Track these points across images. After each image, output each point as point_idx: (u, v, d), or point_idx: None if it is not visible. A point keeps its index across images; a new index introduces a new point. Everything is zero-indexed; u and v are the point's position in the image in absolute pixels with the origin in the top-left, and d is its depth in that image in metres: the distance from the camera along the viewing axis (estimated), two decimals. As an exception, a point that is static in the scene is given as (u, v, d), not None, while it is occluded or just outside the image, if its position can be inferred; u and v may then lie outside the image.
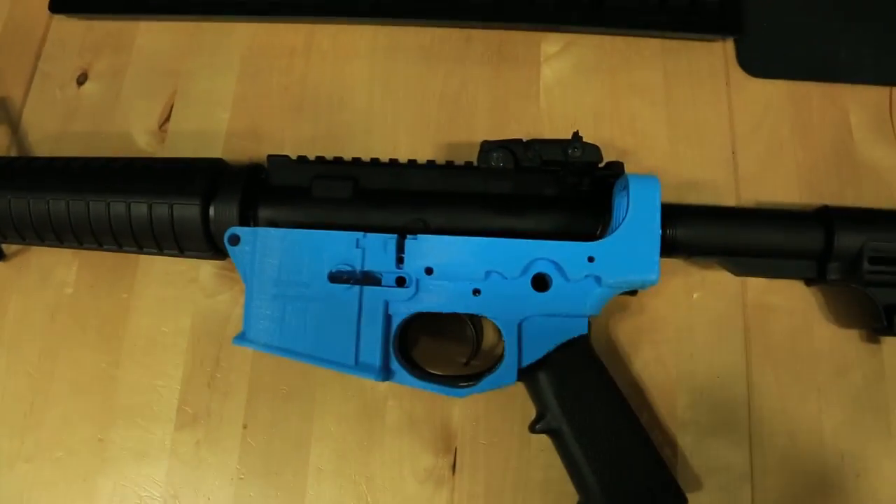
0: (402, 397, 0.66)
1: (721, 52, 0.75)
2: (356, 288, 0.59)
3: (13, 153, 0.75)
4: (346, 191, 0.62)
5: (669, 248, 0.60)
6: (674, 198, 0.68)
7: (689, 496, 0.58)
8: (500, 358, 0.59)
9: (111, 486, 0.65)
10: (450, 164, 0.64)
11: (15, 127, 0.76)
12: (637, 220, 0.57)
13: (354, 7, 0.76)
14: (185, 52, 0.78)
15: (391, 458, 0.65)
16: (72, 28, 0.79)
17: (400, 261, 0.59)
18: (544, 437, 0.60)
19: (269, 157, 0.64)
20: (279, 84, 0.76)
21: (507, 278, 0.58)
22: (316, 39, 0.77)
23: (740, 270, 0.63)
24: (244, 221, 0.61)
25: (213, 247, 0.63)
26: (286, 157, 0.64)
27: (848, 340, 0.66)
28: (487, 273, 0.58)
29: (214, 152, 0.73)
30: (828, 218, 0.62)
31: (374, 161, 0.64)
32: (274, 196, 0.62)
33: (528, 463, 0.64)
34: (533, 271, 0.58)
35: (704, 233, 0.61)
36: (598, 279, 0.58)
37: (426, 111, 0.74)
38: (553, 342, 0.58)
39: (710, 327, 0.67)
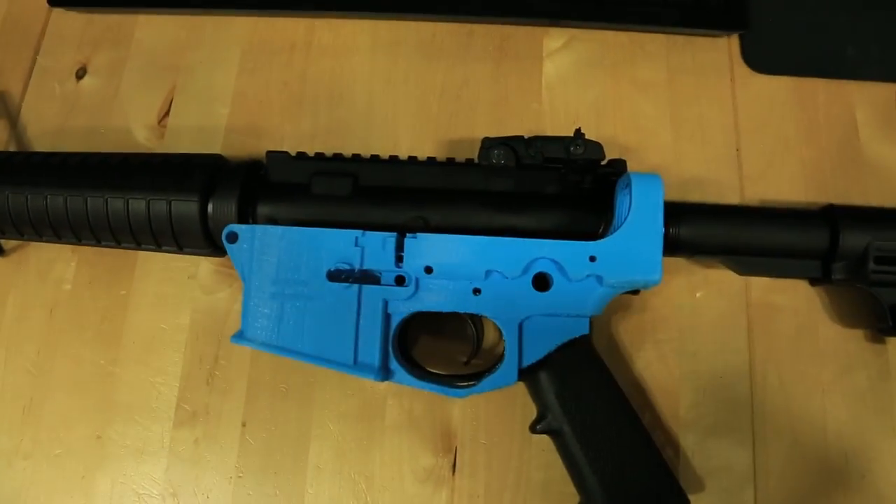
0: (402, 396, 0.65)
1: (726, 47, 0.75)
2: (355, 287, 0.58)
3: (12, 148, 0.75)
4: (345, 188, 0.61)
5: (672, 247, 0.60)
6: (677, 195, 0.67)
7: (692, 497, 0.57)
8: (501, 358, 0.59)
9: (109, 483, 0.65)
10: (450, 161, 0.63)
11: (14, 121, 0.76)
12: (639, 220, 0.57)
13: (355, 1, 0.75)
14: (185, 46, 0.77)
15: (391, 457, 0.64)
16: (71, 22, 0.79)
17: (399, 259, 0.58)
18: (545, 438, 0.60)
19: (269, 153, 0.63)
20: (279, 79, 0.75)
21: (507, 278, 0.58)
22: (316, 34, 0.76)
23: (744, 270, 0.62)
24: (243, 218, 0.61)
25: (211, 244, 0.62)
26: (285, 153, 0.63)
27: (853, 340, 0.66)
28: (488, 272, 0.58)
29: (214, 148, 0.73)
30: (833, 217, 0.61)
31: (374, 158, 0.64)
32: (273, 193, 0.62)
33: (528, 463, 0.64)
34: (534, 271, 0.58)
35: (708, 232, 0.61)
36: (599, 279, 0.57)
37: (427, 107, 0.73)
38: (554, 342, 0.58)
39: (714, 327, 0.66)
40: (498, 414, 0.65)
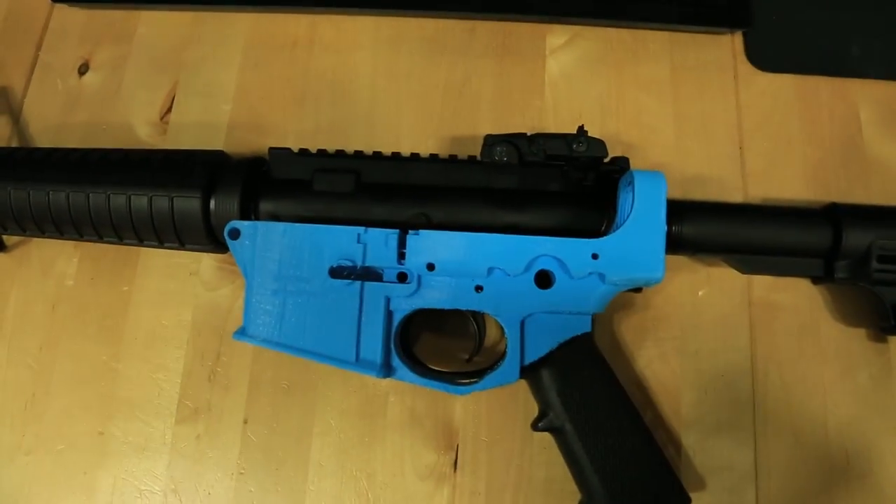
0: (404, 393, 0.65)
1: (729, 45, 0.74)
2: (357, 283, 0.58)
3: (14, 143, 0.75)
4: (348, 184, 0.61)
5: (675, 245, 0.60)
6: (680, 193, 0.67)
7: (693, 496, 0.57)
8: (503, 355, 0.59)
9: (111, 479, 0.65)
10: (453, 158, 0.63)
11: (16, 117, 0.76)
12: (642, 217, 0.57)
13: (357, -2, 0.75)
14: (187, 42, 0.77)
15: (392, 454, 0.64)
16: (73, 18, 0.79)
17: (402, 256, 0.58)
18: (546, 435, 0.60)
19: (271, 149, 0.63)
20: (281, 75, 0.75)
21: (510, 275, 0.58)
22: (318, 30, 0.76)
23: (746, 268, 0.62)
24: (245, 215, 0.61)
25: (213, 240, 0.62)
26: (288, 149, 0.63)
27: (855, 339, 0.66)
28: (490, 269, 0.58)
29: (216, 144, 0.73)
30: (836, 215, 0.61)
31: (377, 154, 0.63)
32: (275, 189, 0.62)
33: (530, 461, 0.64)
34: (536, 268, 0.58)
35: (710, 230, 0.61)
36: (602, 276, 0.57)
37: (429, 104, 0.73)
38: (556, 339, 0.58)
39: (716, 325, 0.66)
40: (499, 411, 0.65)
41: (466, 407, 0.65)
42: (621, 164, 0.62)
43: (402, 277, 0.58)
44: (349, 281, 0.58)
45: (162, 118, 0.74)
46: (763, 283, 0.67)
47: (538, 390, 0.59)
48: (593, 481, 0.56)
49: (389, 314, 0.58)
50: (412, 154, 0.64)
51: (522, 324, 0.58)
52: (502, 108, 0.73)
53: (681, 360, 0.65)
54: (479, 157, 0.62)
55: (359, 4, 0.75)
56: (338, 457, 0.64)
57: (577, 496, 0.58)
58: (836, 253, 0.60)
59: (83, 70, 0.77)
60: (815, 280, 0.66)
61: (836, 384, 0.64)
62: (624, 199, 0.58)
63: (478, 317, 0.63)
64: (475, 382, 0.59)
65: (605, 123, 0.72)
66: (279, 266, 0.59)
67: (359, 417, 0.65)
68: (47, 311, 0.69)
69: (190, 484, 0.65)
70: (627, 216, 0.57)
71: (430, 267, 0.58)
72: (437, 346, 0.66)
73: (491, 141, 0.61)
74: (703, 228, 0.60)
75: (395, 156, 0.64)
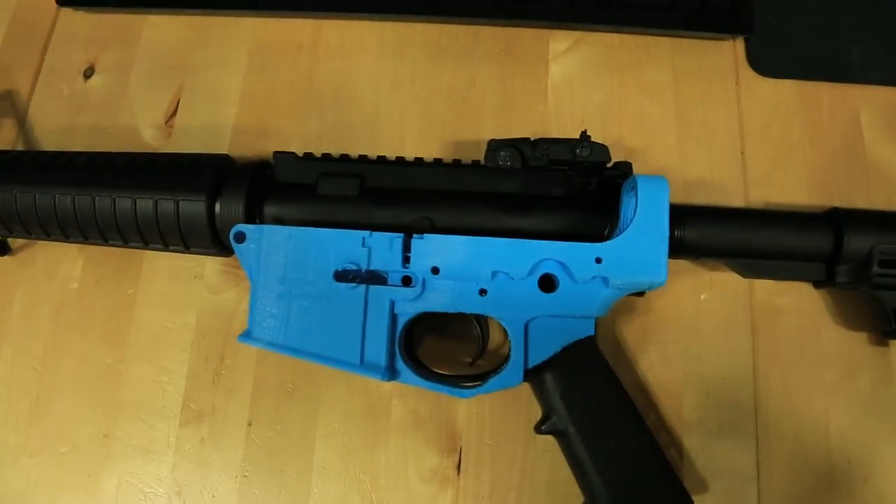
0: (408, 396, 0.66)
1: (731, 51, 0.75)
2: (362, 287, 0.58)
3: (20, 147, 0.75)
4: (352, 188, 0.62)
5: (677, 249, 0.60)
6: (682, 198, 0.68)
7: (695, 498, 0.58)
8: (506, 358, 0.59)
9: (115, 481, 0.65)
10: (457, 163, 0.64)
11: (21, 120, 0.76)
12: (645, 222, 0.57)
13: (362, 2, 0.75)
14: (192, 46, 0.77)
15: (396, 457, 0.65)
16: (79, 22, 0.79)
17: (406, 260, 0.59)
18: (550, 438, 0.60)
19: (276, 153, 0.64)
20: (286, 80, 0.75)
21: (513, 279, 0.58)
22: (323, 35, 0.77)
23: (748, 272, 0.63)
24: (250, 218, 0.61)
25: (218, 243, 0.63)
26: (292, 153, 0.64)
27: (856, 343, 0.66)
28: (494, 273, 0.58)
29: (220, 148, 0.73)
30: (837, 220, 0.61)
31: (381, 159, 0.64)
32: (280, 193, 0.62)
33: (533, 464, 0.64)
34: (540, 272, 0.58)
35: (713, 234, 0.61)
36: (605, 280, 0.57)
37: (433, 108, 0.74)
38: (559, 343, 0.58)
39: (718, 329, 0.67)
40: (503, 415, 0.65)
41: (470, 410, 0.65)
42: (624, 169, 0.62)
43: (407, 281, 0.59)
44: (354, 284, 0.58)
45: (167, 122, 0.75)
46: (765, 288, 0.67)
47: (541, 393, 0.59)
48: (596, 484, 0.57)
49: (394, 317, 0.59)
50: (416, 158, 0.64)
51: (526, 327, 0.58)
52: (506, 113, 0.73)
53: (683, 364, 0.66)
54: (482, 162, 0.62)
55: (363, 9, 0.75)
56: (341, 459, 0.65)
57: (580, 499, 0.59)
58: (838, 257, 0.61)
59: (88, 74, 0.77)
60: (817, 284, 0.67)
61: (838, 388, 0.65)
62: (627, 203, 0.58)
63: (481, 320, 0.63)
64: (479, 385, 0.59)
65: (608, 128, 0.72)
66: (284, 269, 0.59)
67: (362, 420, 0.65)
68: (52, 313, 0.70)
69: (194, 486, 0.65)
70: (630, 220, 0.57)
71: (435, 270, 0.58)
72: (441, 350, 0.66)
73: (495, 146, 0.62)
74: (705, 233, 0.61)
75: (400, 160, 0.64)
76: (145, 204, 0.61)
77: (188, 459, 0.65)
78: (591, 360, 0.59)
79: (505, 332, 0.59)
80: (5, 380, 0.68)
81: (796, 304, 0.67)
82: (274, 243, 0.59)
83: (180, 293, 0.69)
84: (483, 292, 0.58)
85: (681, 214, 0.60)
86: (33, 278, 0.71)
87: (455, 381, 0.60)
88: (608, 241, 0.58)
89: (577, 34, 0.76)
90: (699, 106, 0.73)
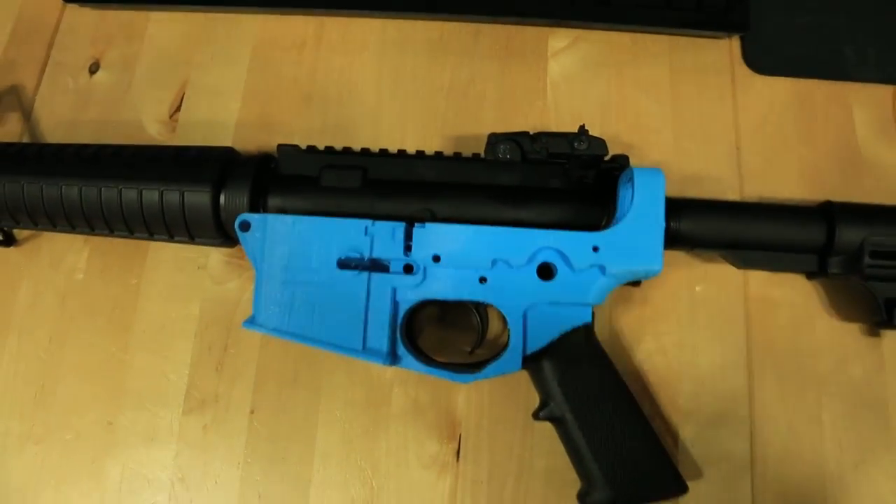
0: (408, 384, 0.67)
1: (727, 49, 0.76)
2: (364, 274, 0.59)
3: (25, 140, 0.76)
4: (355, 180, 0.62)
5: (673, 240, 0.61)
6: (677, 192, 0.68)
7: (690, 485, 0.59)
8: (505, 346, 0.60)
9: (120, 468, 0.66)
10: (458, 156, 0.64)
11: (27, 115, 0.77)
12: (641, 210, 0.58)
13: (364, 0, 0.76)
14: (196, 42, 0.78)
15: (396, 444, 0.65)
16: (84, 17, 0.80)
17: (408, 248, 0.60)
18: (547, 425, 0.61)
19: (279, 146, 0.65)
20: (289, 75, 0.77)
21: (512, 267, 0.59)
22: (326, 32, 0.78)
23: (742, 263, 0.64)
24: (254, 209, 0.62)
25: (222, 234, 0.64)
26: (296, 146, 0.64)
27: (848, 333, 0.67)
28: (494, 261, 0.59)
29: (224, 142, 0.74)
30: (830, 212, 0.62)
31: (383, 151, 0.65)
32: (283, 185, 0.63)
33: (531, 450, 0.65)
34: (538, 260, 0.59)
35: (707, 225, 0.62)
36: (602, 268, 0.58)
37: (434, 104, 0.75)
38: (557, 330, 0.59)
39: (712, 319, 0.68)
40: (501, 402, 0.66)
41: (469, 397, 0.66)
42: (621, 162, 0.63)
43: (409, 269, 0.60)
44: (357, 272, 0.59)
45: (171, 116, 0.76)
46: (759, 279, 0.68)
47: (539, 380, 0.60)
48: (593, 470, 0.58)
49: (396, 304, 0.60)
50: (418, 151, 0.65)
51: (525, 314, 0.59)
52: (505, 109, 0.74)
53: (678, 353, 0.67)
54: (483, 155, 0.63)
55: (365, 7, 0.77)
56: (343, 446, 0.65)
57: (578, 485, 0.60)
58: (830, 249, 0.62)
59: (94, 69, 0.78)
60: (810, 275, 0.68)
61: (830, 377, 0.66)
62: (624, 194, 0.60)
63: (481, 308, 0.64)
64: (478, 371, 0.60)
65: (606, 124, 0.74)
66: (288, 258, 0.60)
67: (363, 408, 0.66)
68: (57, 303, 0.71)
69: (197, 473, 0.66)
70: (627, 210, 0.58)
71: (436, 259, 0.59)
72: (441, 339, 0.67)
73: (494, 139, 0.63)
74: (700, 224, 0.62)
75: (401, 153, 0.65)
76: (151, 195, 0.62)
77: (191, 447, 0.66)
78: (589, 348, 0.60)
79: (503, 322, 0.60)
80: (11, 368, 0.69)
81: (790, 295, 0.68)
82: (278, 232, 0.60)
83: (184, 283, 0.70)
84: (483, 280, 0.59)
85: (676, 206, 0.61)
86: (39, 268, 0.72)
87: (455, 369, 0.61)
88: (606, 230, 0.59)
89: (576, 32, 0.77)
90: (695, 103, 0.74)
